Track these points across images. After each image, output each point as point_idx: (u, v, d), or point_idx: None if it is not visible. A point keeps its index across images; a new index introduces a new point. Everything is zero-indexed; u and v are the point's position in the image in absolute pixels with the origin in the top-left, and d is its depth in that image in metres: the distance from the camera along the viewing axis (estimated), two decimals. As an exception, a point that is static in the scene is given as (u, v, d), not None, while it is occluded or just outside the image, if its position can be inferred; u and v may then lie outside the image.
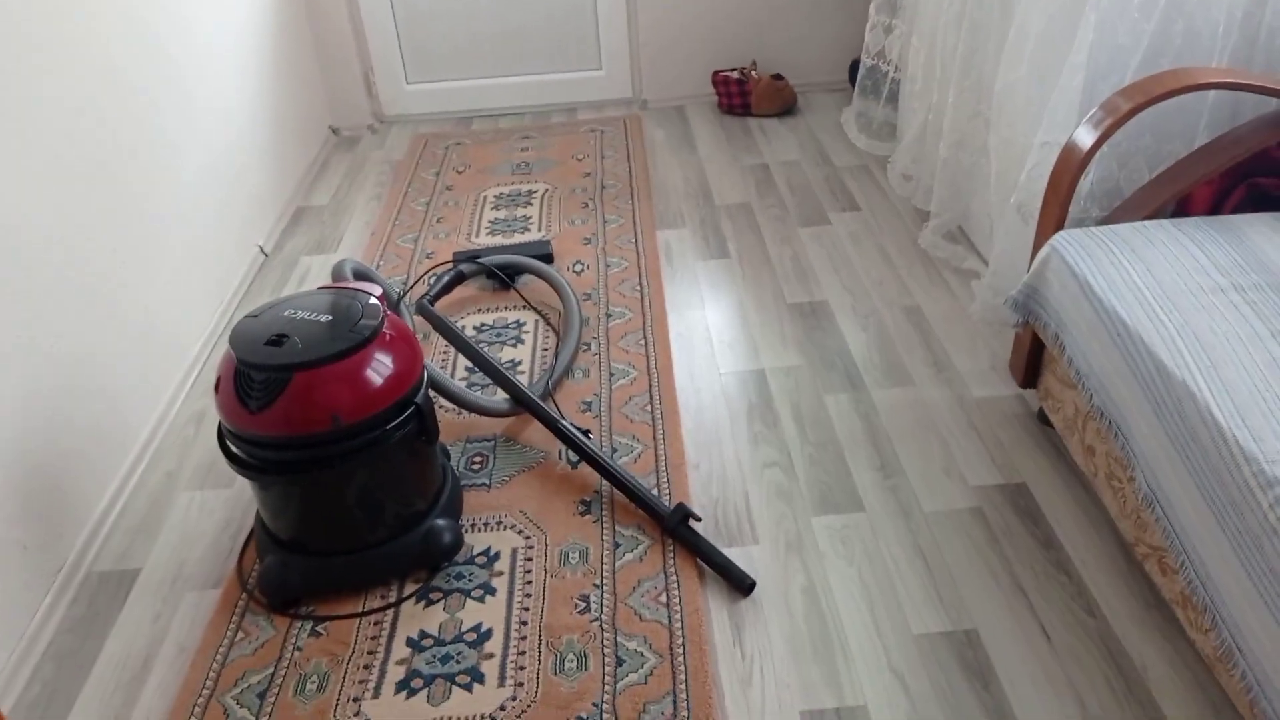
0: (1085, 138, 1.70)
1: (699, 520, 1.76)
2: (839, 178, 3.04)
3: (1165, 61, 1.86)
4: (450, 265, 2.58)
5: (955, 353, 2.19)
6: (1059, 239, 1.69)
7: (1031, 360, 1.89)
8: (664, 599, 1.64)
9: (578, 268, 2.65)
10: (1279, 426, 1.22)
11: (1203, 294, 1.48)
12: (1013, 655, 1.50)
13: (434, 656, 1.57)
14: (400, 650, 1.59)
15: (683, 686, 1.49)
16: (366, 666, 1.56)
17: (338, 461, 1.55)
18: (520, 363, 2.28)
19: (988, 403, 2.02)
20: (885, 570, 1.66)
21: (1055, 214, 1.76)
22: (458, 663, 1.56)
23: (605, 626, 1.60)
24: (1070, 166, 1.72)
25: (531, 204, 3.04)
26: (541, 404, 1.95)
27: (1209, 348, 1.36)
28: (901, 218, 2.77)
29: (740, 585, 1.65)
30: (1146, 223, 1.70)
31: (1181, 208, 1.89)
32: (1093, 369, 1.56)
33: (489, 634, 1.60)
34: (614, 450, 1.98)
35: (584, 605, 1.64)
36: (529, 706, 1.47)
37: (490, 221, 2.96)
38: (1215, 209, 1.86)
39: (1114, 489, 1.60)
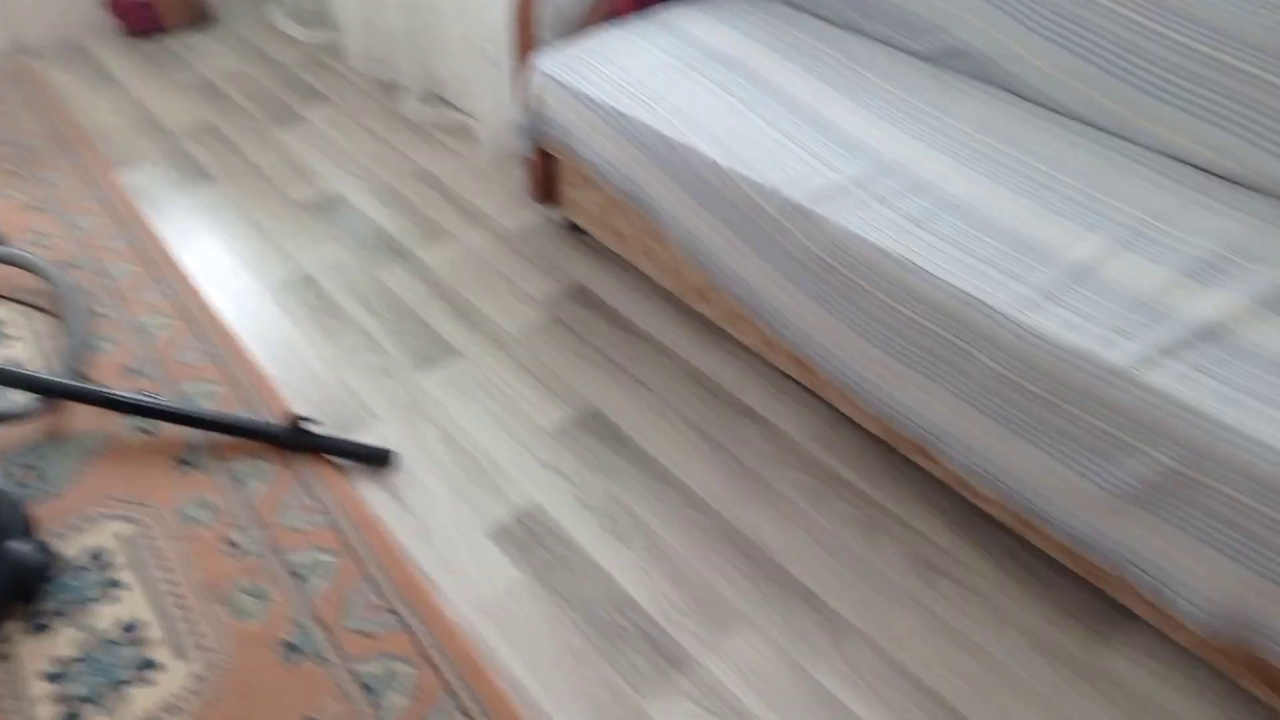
0: (528, -33, 1.88)
1: (316, 423, 1.72)
2: (294, 74, 2.94)
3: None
4: None
5: (478, 199, 2.33)
6: (543, 62, 1.87)
7: (547, 180, 2.11)
8: (315, 505, 1.61)
9: (43, 240, 2.28)
10: (759, 152, 1.55)
11: (668, 74, 1.77)
12: (630, 412, 1.76)
13: (88, 672, 1.39)
14: (40, 688, 1.37)
15: (374, 567, 1.51)
16: None
17: None
18: (27, 359, 1.94)
19: (524, 230, 2.22)
20: (502, 393, 1.81)
21: (527, 44, 1.94)
22: (121, 665, 1.39)
23: (268, 555, 1.53)
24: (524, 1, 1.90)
25: (-63, 187, 2.49)
26: (81, 386, 1.71)
27: (691, 113, 1.66)
28: (375, 96, 2.79)
29: (381, 460, 1.68)
30: (602, 32, 1.96)
31: (616, 13, 2.18)
32: (609, 163, 1.80)
33: (140, 624, 1.45)
34: (188, 398, 1.82)
35: (234, 549, 1.55)
36: (228, 661, 1.39)
37: (-111, 220, 2.37)
38: (642, 7, 2.18)
39: (650, 257, 1.90)
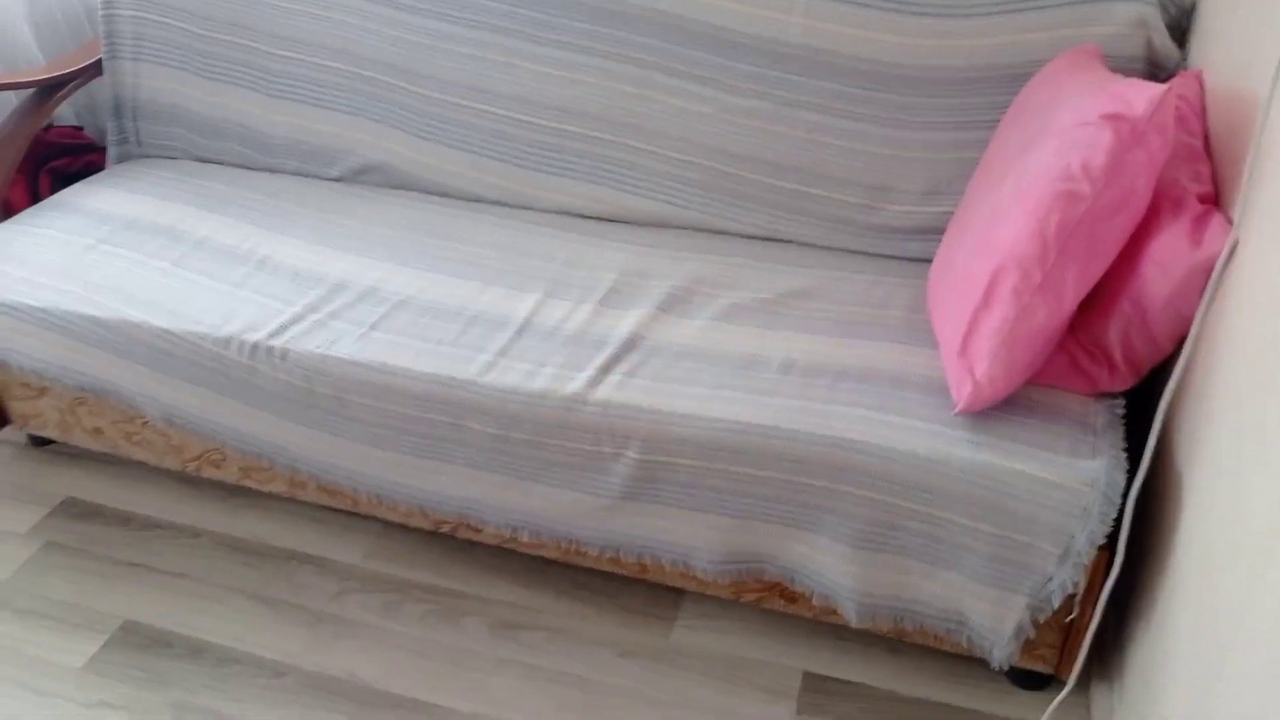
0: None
1: None
2: None
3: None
4: None
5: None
6: (-75, 281, 1.66)
7: (-12, 402, 1.86)
8: None
9: None
10: (207, 306, 1.54)
11: (85, 256, 1.68)
12: (171, 608, 1.62)
13: None
14: None
15: None
16: None
17: None
18: None
19: (-22, 466, 1.94)
20: (10, 652, 1.56)
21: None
22: None
23: None
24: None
25: None
26: None
27: (123, 288, 1.60)
28: None
29: None
30: (-4, 230, 1.79)
31: (11, 210, 2.01)
32: (48, 364, 1.65)
33: None
34: None
35: None
36: None
37: None
38: (36, 200, 2.03)
39: (139, 443, 1.77)
